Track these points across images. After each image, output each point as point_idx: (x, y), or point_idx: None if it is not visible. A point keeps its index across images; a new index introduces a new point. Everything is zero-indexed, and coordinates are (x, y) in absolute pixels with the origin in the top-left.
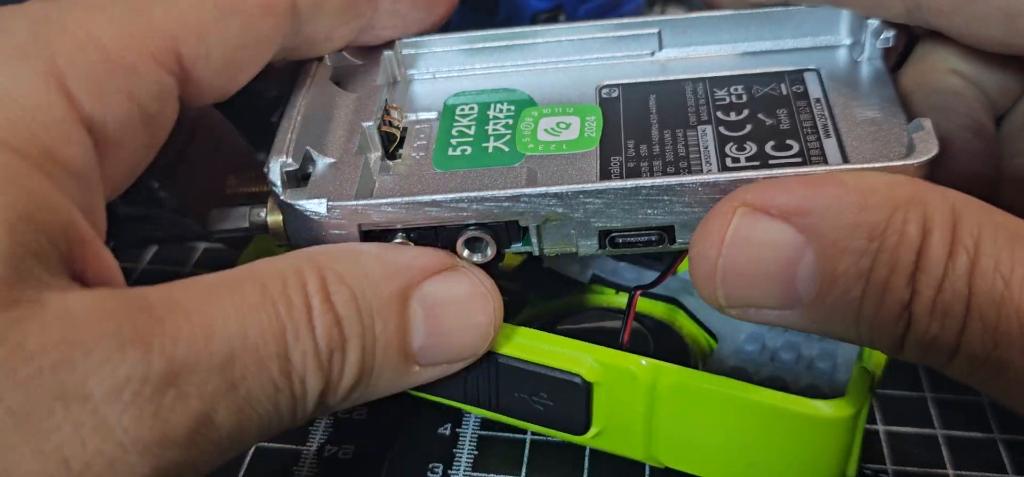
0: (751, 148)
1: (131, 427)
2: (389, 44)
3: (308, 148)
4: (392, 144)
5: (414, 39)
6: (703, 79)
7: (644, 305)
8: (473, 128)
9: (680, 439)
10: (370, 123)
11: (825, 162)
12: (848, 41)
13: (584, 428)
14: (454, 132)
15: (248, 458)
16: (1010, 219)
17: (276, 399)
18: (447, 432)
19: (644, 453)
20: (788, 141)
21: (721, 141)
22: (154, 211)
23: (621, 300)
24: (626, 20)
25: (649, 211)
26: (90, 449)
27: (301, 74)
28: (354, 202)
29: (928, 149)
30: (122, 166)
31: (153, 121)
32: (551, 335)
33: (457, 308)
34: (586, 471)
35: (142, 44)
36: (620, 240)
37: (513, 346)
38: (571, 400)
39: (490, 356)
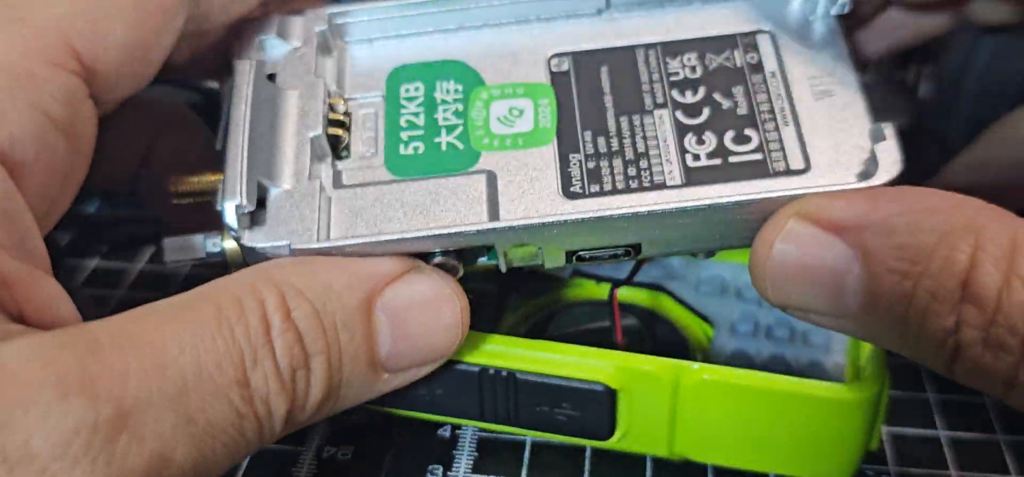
0: (710, 141)
1: None
2: (317, 13)
3: (260, 180)
4: (340, 145)
5: (347, 8)
6: (655, 45)
7: (628, 295)
8: (422, 117)
9: (705, 432)
10: (317, 132)
11: (784, 159)
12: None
13: (609, 434)
14: (403, 122)
15: (246, 460)
16: None
17: (240, 426)
18: (447, 434)
19: (667, 449)
20: (747, 131)
21: (680, 131)
22: (145, 211)
23: (603, 291)
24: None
25: (616, 234)
26: None
27: (235, 78)
28: (318, 245)
29: (891, 169)
30: (49, 184)
31: (69, 129)
32: (569, 345)
33: (422, 311)
34: (586, 472)
35: (32, 49)
36: (587, 256)
37: (531, 361)
38: (595, 408)
39: (509, 374)
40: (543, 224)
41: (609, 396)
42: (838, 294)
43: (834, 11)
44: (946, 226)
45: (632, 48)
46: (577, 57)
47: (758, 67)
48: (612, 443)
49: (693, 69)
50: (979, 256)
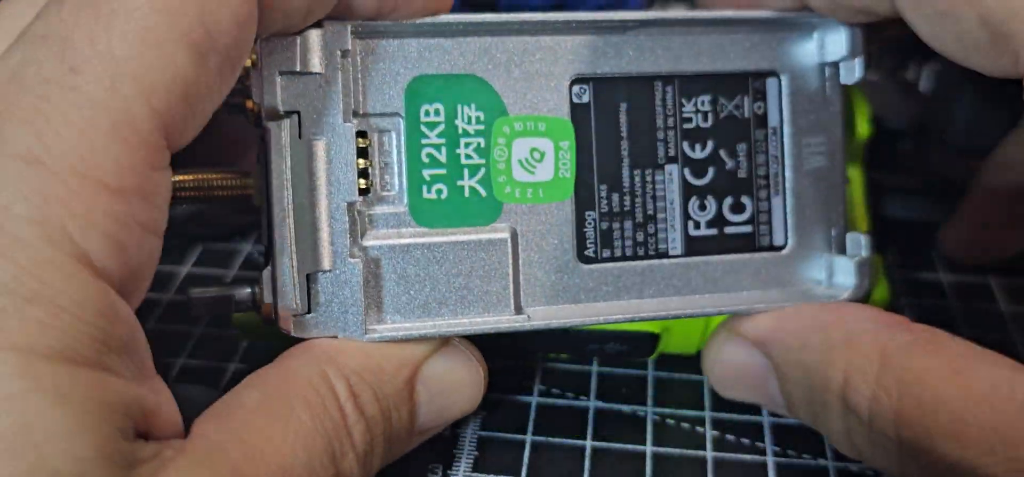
0: (711, 208)
1: None
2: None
3: (308, 274)
4: (364, 180)
5: (370, 24)
6: (673, 79)
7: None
8: (444, 152)
9: None
10: (352, 198)
11: (770, 234)
12: (817, 55)
13: (651, 353)
14: (424, 156)
15: None
16: (946, 357)
17: None
18: (447, 433)
19: (698, 346)
20: (743, 198)
21: (685, 192)
22: (204, 208)
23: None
24: (601, 17)
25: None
26: None
27: (271, 148)
28: (364, 339)
29: (853, 291)
30: (146, 282)
31: (158, 224)
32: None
33: (452, 385)
34: (586, 472)
35: (125, 152)
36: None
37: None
38: (642, 346)
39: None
40: (565, 326)
41: (653, 338)
42: (766, 393)
43: (844, 80)
44: (827, 343)
45: (651, 80)
46: (597, 85)
47: (762, 121)
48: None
49: (705, 117)
50: (850, 372)
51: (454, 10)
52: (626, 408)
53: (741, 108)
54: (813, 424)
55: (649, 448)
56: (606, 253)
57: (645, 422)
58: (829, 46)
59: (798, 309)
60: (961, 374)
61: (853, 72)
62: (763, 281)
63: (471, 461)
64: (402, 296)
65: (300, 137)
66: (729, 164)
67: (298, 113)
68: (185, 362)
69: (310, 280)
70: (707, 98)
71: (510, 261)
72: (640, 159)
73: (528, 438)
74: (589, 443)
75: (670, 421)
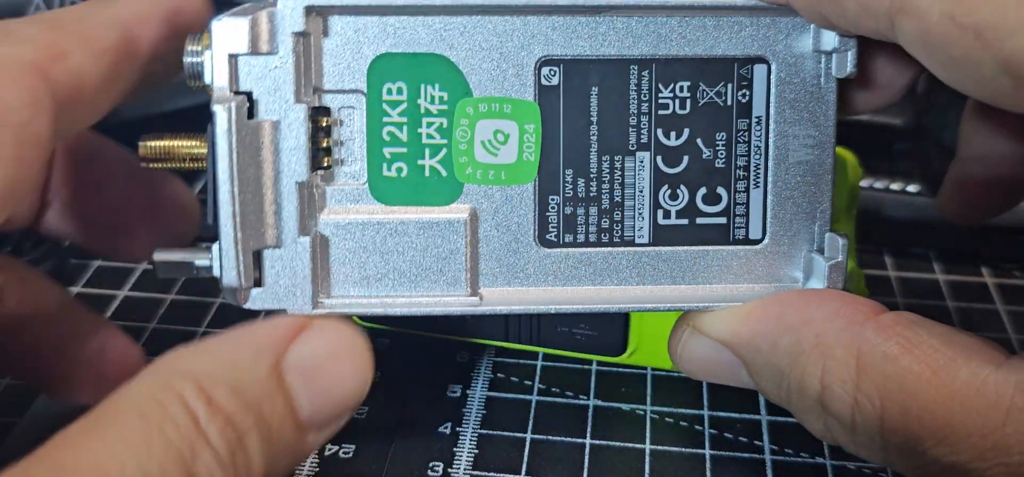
0: (683, 196)
1: None
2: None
3: (255, 249)
4: (323, 156)
5: (328, 3)
6: (651, 62)
7: None
8: (405, 130)
9: None
10: (302, 178)
11: (746, 227)
12: (812, 41)
13: (621, 350)
14: (385, 134)
15: None
16: (923, 354)
17: None
18: (447, 431)
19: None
20: (718, 189)
21: (657, 180)
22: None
23: None
24: (575, 2)
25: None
26: None
27: (215, 129)
28: (313, 312)
29: (826, 283)
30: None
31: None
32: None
33: (329, 363)
34: (586, 471)
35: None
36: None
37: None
38: (610, 327)
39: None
40: (524, 312)
41: (623, 317)
42: (738, 380)
43: (837, 74)
44: (797, 348)
45: (627, 63)
46: (568, 68)
47: (746, 109)
48: (624, 358)
49: (683, 103)
50: (827, 381)
51: None
52: (625, 406)
53: (723, 95)
54: (790, 412)
55: (648, 446)
56: (568, 238)
57: (644, 420)
58: (824, 34)
59: (762, 305)
60: (941, 374)
61: (845, 65)
62: (735, 274)
63: (471, 459)
64: (354, 272)
65: (250, 118)
66: (706, 153)
67: (250, 93)
68: (156, 327)
69: (258, 256)
70: (686, 84)
71: (467, 242)
72: (609, 145)
73: (528, 436)
74: (588, 441)
75: (669, 419)
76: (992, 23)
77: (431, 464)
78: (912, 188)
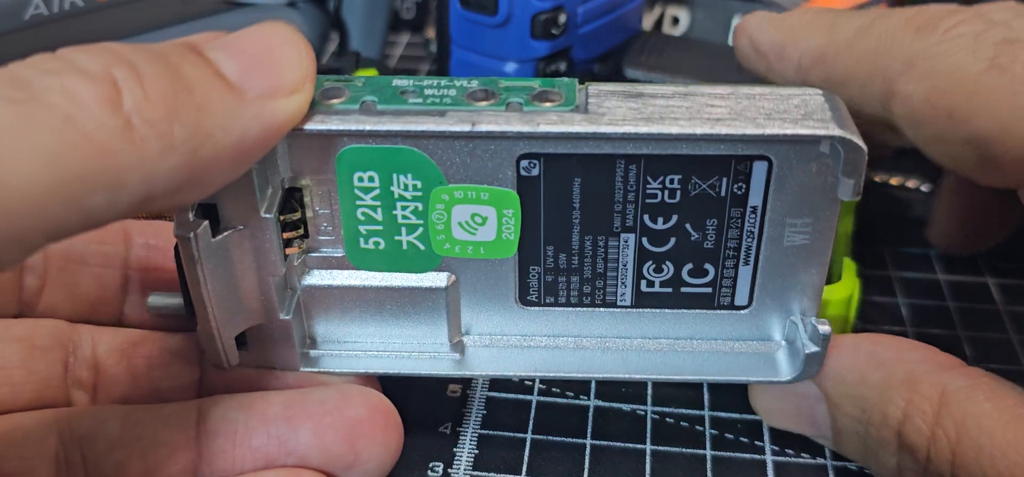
0: (668, 270)
1: None
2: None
3: (238, 334)
4: (298, 230)
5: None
6: (638, 159)
7: None
8: (380, 212)
9: None
10: (278, 275)
11: (732, 295)
12: (826, 150)
13: None
14: (360, 214)
15: None
16: (1005, 404)
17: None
18: (447, 431)
19: None
20: (706, 265)
21: (641, 256)
22: None
23: None
24: (557, 132)
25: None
26: None
27: (182, 258)
28: (303, 371)
29: (795, 377)
30: None
31: None
32: None
33: (252, 37)
34: (586, 471)
35: None
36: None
37: None
38: None
39: None
40: (507, 375)
41: None
42: (813, 422)
43: (842, 196)
44: (886, 381)
45: (613, 158)
46: (549, 161)
47: (742, 199)
48: None
49: (672, 193)
50: (910, 411)
51: (453, 9)
52: (626, 406)
53: (717, 188)
54: (861, 460)
55: (649, 446)
56: (549, 300)
57: (645, 420)
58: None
59: (854, 341)
60: (1020, 421)
61: (848, 190)
62: (718, 332)
63: (472, 459)
64: (337, 331)
65: (215, 235)
66: (694, 236)
67: (215, 205)
68: None
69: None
70: (677, 177)
71: (446, 307)
72: (593, 227)
73: (528, 436)
74: (589, 441)
75: (670, 419)
76: (961, 106)
77: (431, 464)
78: (912, 186)
